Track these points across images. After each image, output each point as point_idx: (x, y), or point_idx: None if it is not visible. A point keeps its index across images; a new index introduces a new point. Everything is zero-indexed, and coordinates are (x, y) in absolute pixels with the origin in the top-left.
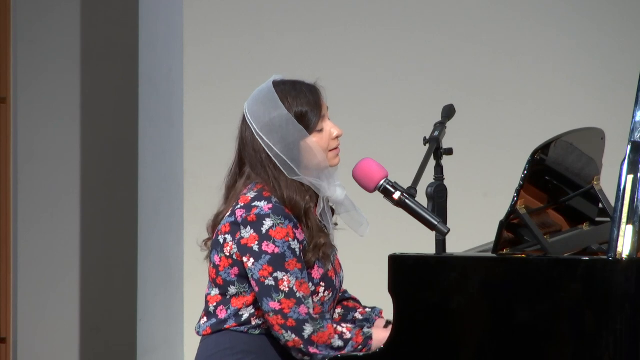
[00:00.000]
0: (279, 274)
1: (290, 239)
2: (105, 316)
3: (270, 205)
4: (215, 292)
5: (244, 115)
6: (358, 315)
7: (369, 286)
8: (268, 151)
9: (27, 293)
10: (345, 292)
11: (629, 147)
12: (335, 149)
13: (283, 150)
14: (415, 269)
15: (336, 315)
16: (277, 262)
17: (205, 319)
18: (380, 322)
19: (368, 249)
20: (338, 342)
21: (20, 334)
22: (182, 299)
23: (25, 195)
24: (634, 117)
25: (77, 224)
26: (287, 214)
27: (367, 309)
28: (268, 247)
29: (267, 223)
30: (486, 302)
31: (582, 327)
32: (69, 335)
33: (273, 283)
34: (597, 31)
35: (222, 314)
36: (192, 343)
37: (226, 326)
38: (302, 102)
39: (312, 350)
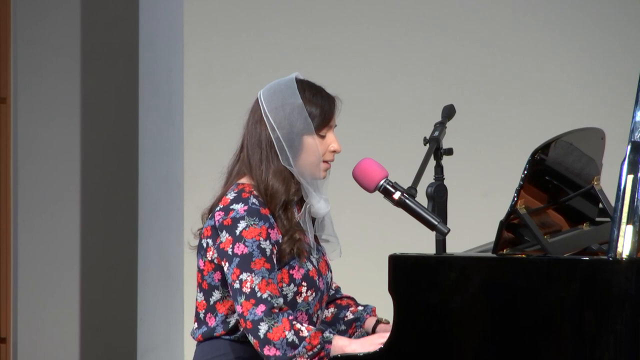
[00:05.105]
0: (244, 275)
1: (262, 239)
2: (105, 316)
3: (245, 207)
4: (201, 297)
5: (257, 99)
6: (349, 314)
7: (369, 286)
8: (270, 132)
9: (27, 293)
10: (338, 291)
11: (629, 147)
12: (327, 162)
13: (285, 137)
14: (415, 269)
15: (328, 314)
16: (244, 263)
17: (196, 325)
18: (370, 321)
19: (368, 249)
20: (293, 337)
21: (20, 334)
22: (182, 299)
23: (25, 195)
24: (634, 117)
25: (77, 224)
26: (262, 215)
27: (360, 307)
28: (239, 248)
29: (241, 225)
30: (486, 302)
31: (582, 327)
32: (69, 335)
33: (238, 286)
34: (597, 31)
35: (211, 322)
36: (192, 343)
37: (216, 334)
38: (317, 102)
39: (267, 351)
